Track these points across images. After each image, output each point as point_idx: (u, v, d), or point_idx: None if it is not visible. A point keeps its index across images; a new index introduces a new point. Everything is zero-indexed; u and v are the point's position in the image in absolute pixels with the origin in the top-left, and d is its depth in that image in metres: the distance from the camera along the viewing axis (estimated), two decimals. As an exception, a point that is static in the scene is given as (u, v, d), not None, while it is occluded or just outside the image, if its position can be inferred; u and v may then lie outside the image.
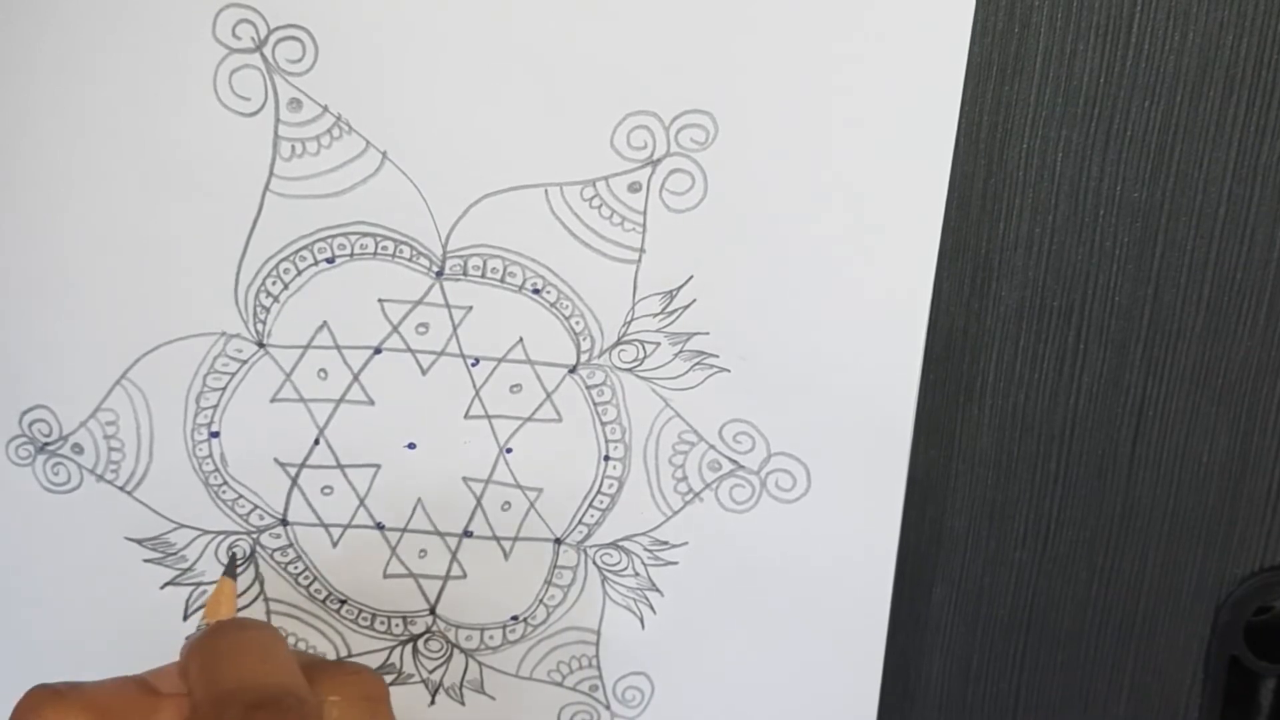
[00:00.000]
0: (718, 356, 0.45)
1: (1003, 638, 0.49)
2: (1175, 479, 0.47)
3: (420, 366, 0.45)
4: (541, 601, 0.48)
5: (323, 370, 0.45)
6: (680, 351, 0.45)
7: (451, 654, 0.48)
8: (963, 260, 0.45)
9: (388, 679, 0.48)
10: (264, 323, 0.45)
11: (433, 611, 0.48)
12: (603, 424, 0.46)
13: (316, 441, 0.45)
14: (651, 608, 0.48)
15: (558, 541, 0.47)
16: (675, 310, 0.44)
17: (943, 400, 0.46)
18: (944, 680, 0.50)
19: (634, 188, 0.43)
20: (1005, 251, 0.45)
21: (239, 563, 0.46)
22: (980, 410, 0.46)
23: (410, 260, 0.44)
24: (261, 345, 0.45)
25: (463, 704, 0.49)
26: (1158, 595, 0.48)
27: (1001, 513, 0.48)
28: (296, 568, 0.47)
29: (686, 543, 0.47)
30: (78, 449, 0.46)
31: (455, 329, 0.45)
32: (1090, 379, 0.46)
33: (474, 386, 0.46)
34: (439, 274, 0.44)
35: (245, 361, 0.45)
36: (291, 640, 0.48)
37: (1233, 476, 0.47)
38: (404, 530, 0.47)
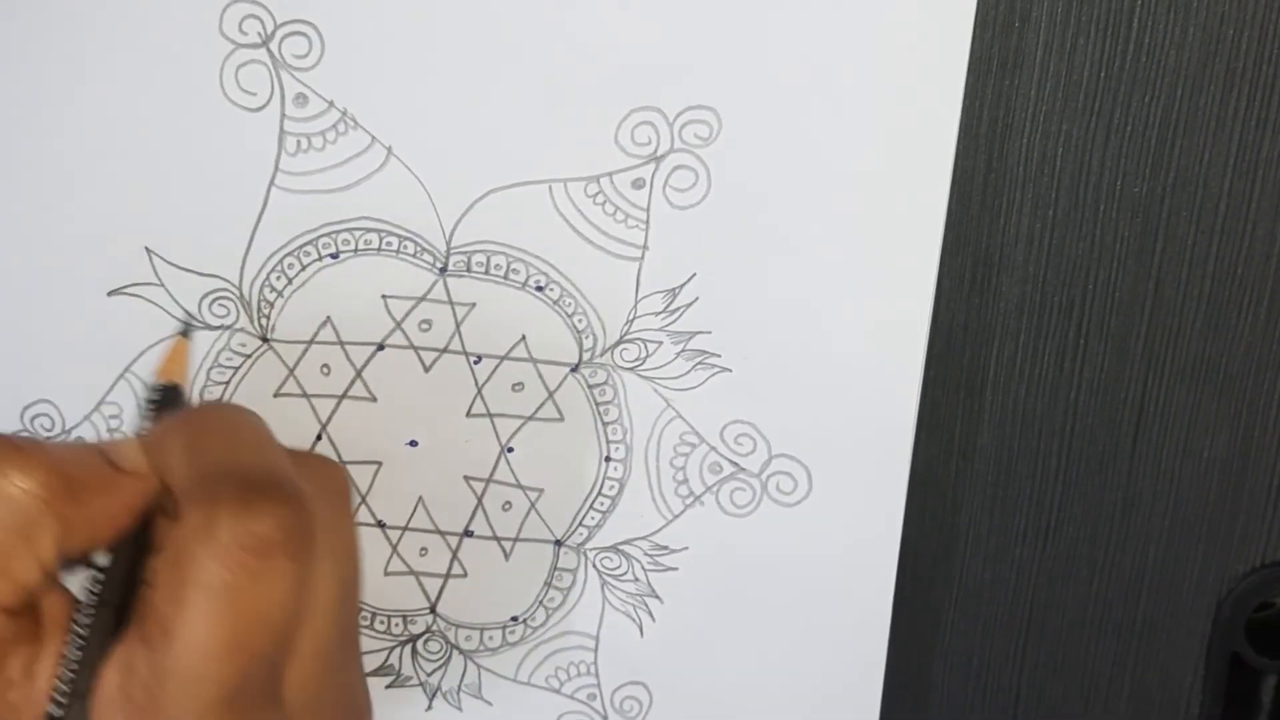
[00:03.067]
0: (720, 356, 0.45)
1: (1003, 634, 0.49)
2: (1176, 474, 0.47)
3: (423, 364, 0.45)
4: (541, 603, 0.48)
5: (325, 366, 0.45)
6: (682, 350, 0.45)
7: (450, 655, 0.48)
8: (963, 256, 0.45)
9: (386, 681, 0.48)
10: (268, 317, 0.45)
11: (433, 610, 0.48)
12: (604, 424, 0.46)
13: (319, 437, 0.45)
14: (651, 615, 0.48)
15: (558, 543, 0.47)
16: (678, 309, 0.45)
17: (943, 396, 0.46)
18: (945, 678, 0.50)
19: (638, 184, 0.43)
20: (1006, 247, 0.45)
21: (194, 325, 0.45)
22: (981, 406, 0.47)
23: (414, 256, 0.44)
24: (265, 340, 0.45)
25: (460, 709, 0.49)
26: (1158, 591, 0.48)
27: (1002, 509, 0.48)
28: (298, 565, 0.47)
29: (687, 548, 0.47)
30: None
31: (458, 326, 0.45)
32: (1091, 374, 0.46)
33: (476, 385, 0.45)
34: (442, 270, 0.44)
35: (249, 356, 0.45)
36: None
37: (1234, 472, 0.47)
38: (405, 529, 0.47)
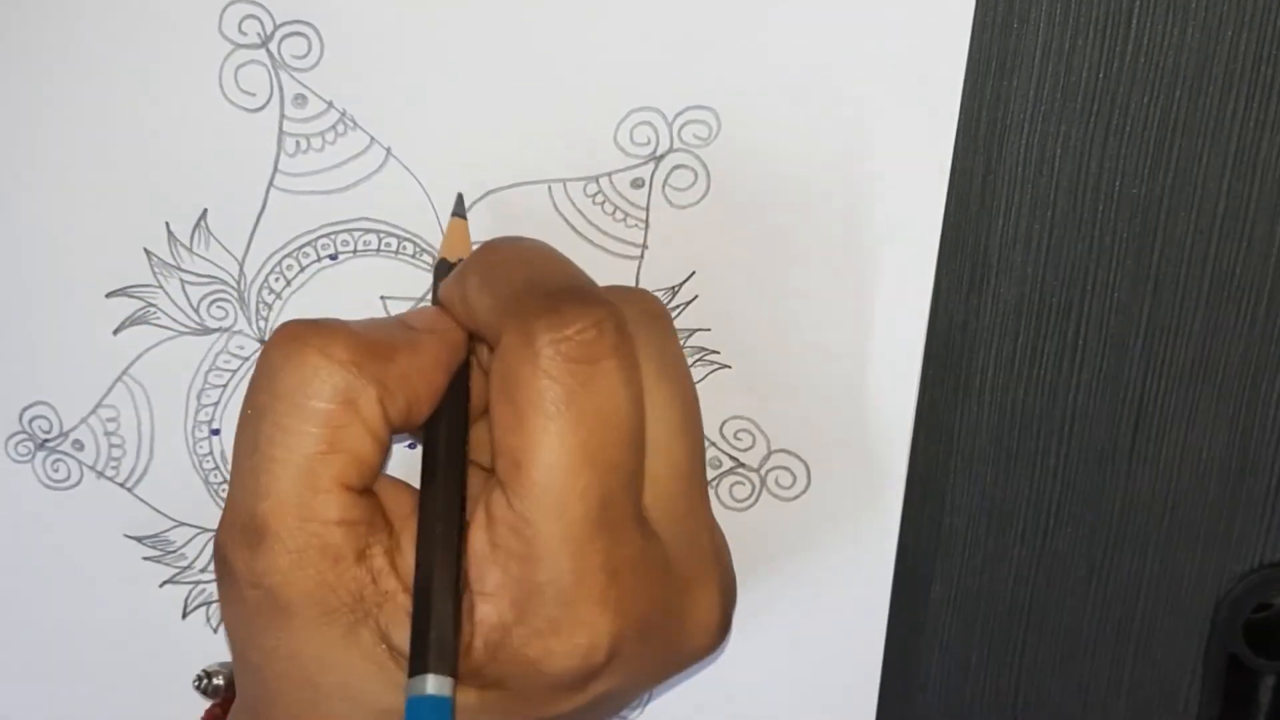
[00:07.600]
0: (719, 353, 0.45)
1: (1001, 635, 0.49)
2: (1174, 475, 0.47)
3: (421, 365, 0.45)
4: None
5: (324, 367, 0.45)
6: (682, 347, 0.45)
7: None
8: (961, 256, 0.45)
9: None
10: (266, 320, 0.45)
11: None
12: (604, 423, 0.46)
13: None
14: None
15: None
16: (677, 307, 0.45)
17: (941, 396, 0.46)
18: (942, 677, 0.50)
19: (637, 184, 0.43)
20: (1004, 248, 0.45)
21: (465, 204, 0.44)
22: (979, 406, 0.47)
23: (413, 257, 0.44)
24: (263, 342, 0.45)
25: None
26: (1157, 592, 0.48)
27: (1000, 509, 0.48)
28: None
29: (686, 543, 0.47)
30: (78, 445, 0.46)
31: (456, 327, 0.45)
32: (1089, 375, 0.46)
33: (474, 386, 0.46)
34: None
35: (247, 359, 0.45)
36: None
37: (1232, 473, 0.47)
38: (404, 529, 0.47)
